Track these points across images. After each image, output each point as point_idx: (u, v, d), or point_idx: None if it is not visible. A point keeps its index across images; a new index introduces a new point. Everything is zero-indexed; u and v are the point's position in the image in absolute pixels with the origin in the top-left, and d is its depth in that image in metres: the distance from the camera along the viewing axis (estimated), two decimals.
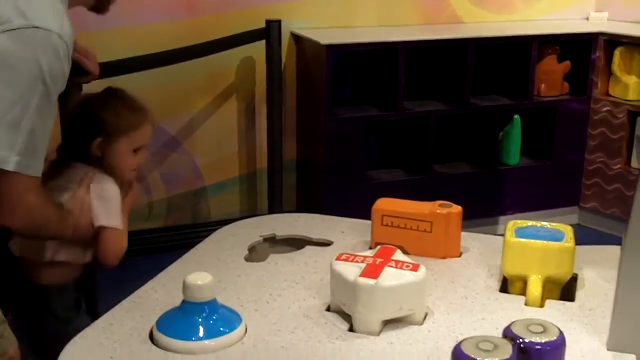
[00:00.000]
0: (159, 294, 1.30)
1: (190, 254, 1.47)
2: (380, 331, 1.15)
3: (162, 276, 1.38)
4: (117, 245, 1.67)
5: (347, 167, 3.17)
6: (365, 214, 1.53)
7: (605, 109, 3.46)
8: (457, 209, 1.44)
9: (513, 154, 3.46)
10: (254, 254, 1.49)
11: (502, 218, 3.47)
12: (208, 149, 3.38)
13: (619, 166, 3.47)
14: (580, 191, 3.63)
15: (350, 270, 1.17)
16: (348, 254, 1.22)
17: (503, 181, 3.46)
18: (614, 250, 1.46)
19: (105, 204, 1.64)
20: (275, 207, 3.27)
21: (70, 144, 1.70)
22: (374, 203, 1.47)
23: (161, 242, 3.25)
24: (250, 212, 3.47)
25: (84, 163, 1.65)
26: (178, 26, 3.15)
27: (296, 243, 1.53)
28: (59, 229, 1.53)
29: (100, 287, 2.41)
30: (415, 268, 1.17)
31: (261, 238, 1.54)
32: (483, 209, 3.39)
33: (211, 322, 1.13)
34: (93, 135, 1.63)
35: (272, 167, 3.27)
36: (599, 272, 1.38)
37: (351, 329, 1.16)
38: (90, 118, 1.66)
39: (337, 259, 1.20)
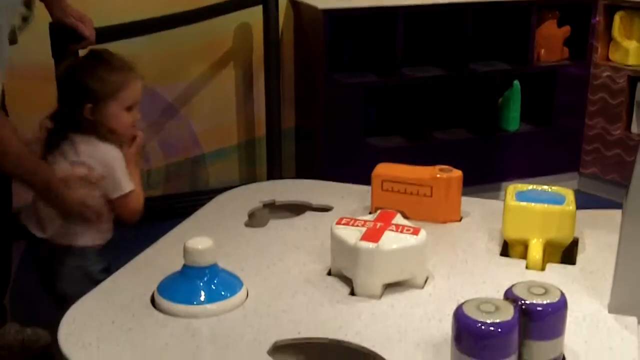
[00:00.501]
0: (159, 259, 1.30)
1: (190, 220, 1.47)
2: (381, 295, 1.16)
3: (162, 242, 1.38)
4: (134, 205, 1.75)
5: (345, 134, 3.15)
6: (364, 181, 1.52)
7: (605, 74, 3.44)
8: (457, 173, 1.43)
9: (513, 120, 3.44)
10: (254, 219, 1.48)
11: (502, 184, 3.46)
12: (206, 116, 3.36)
13: (618, 132, 3.46)
14: (580, 157, 3.62)
15: (351, 234, 1.16)
16: (348, 218, 1.21)
17: (503, 147, 3.46)
18: (615, 214, 1.45)
19: (111, 175, 1.64)
20: (274, 175, 3.26)
21: (63, 111, 1.70)
22: (373, 170, 1.47)
23: (160, 210, 3.24)
24: (249, 180, 3.46)
25: (79, 132, 1.65)
26: None
27: (296, 209, 1.53)
28: (17, 163, 1.52)
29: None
30: (415, 232, 1.17)
31: (261, 204, 1.54)
32: (483, 175, 3.38)
33: (212, 286, 1.13)
34: (81, 102, 1.63)
35: (270, 134, 3.25)
36: (599, 235, 1.38)
37: (352, 293, 1.17)
38: (76, 86, 1.67)
39: (338, 223, 1.20)
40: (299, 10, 3.25)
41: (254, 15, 3.17)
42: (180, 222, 1.48)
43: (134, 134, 1.75)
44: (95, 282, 1.25)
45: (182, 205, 3.26)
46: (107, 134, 1.65)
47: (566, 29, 3.45)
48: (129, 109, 1.69)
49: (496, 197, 3.34)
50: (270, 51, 3.13)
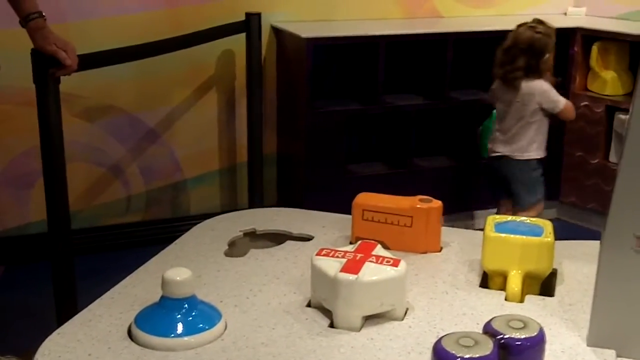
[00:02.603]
0: (137, 289, 1.28)
1: (169, 249, 1.46)
2: (361, 327, 1.15)
3: (141, 271, 1.37)
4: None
5: (327, 161, 3.16)
6: (346, 208, 1.52)
7: (583, 103, 3.49)
8: (437, 203, 1.43)
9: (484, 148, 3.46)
10: (234, 248, 1.47)
11: (482, 212, 3.48)
12: (188, 142, 3.36)
13: (597, 160, 3.49)
14: (559, 185, 3.65)
15: (331, 266, 1.16)
16: (328, 249, 1.21)
17: (483, 175, 3.48)
18: (593, 245, 1.46)
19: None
20: (255, 201, 3.26)
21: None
22: (354, 197, 1.47)
23: (140, 236, 3.23)
24: (231, 206, 3.46)
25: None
26: (158, 17, 3.13)
27: (277, 238, 1.52)
28: None
29: (79, 281, 2.40)
30: (395, 263, 1.17)
31: (241, 233, 1.53)
32: (463, 202, 3.41)
33: (190, 318, 1.11)
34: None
35: (252, 160, 3.26)
36: (578, 267, 1.39)
37: (332, 325, 1.16)
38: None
39: (318, 254, 1.19)
40: (281, 38, 3.27)
41: (237, 42, 3.19)
42: (161, 248, 1.47)
43: None
44: None
45: (162, 232, 3.25)
46: None
47: None
48: None
49: (477, 225, 3.36)
50: (253, 78, 3.14)
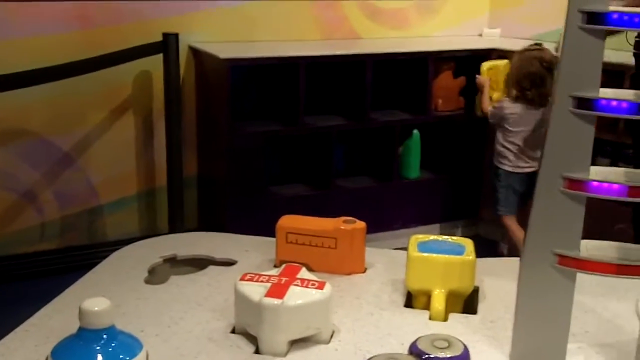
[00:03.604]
0: (54, 320, 1.23)
1: (86, 278, 1.40)
2: (287, 352, 1.13)
3: (57, 301, 1.31)
4: None
5: (249, 182, 3.14)
6: (269, 229, 1.50)
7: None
8: (361, 224, 1.43)
9: (413, 168, 3.52)
10: (154, 275, 1.43)
11: (404, 231, 3.52)
12: (104, 166, 3.28)
13: None
14: (479, 203, 3.73)
15: (255, 291, 1.14)
16: (252, 273, 1.19)
17: (404, 194, 3.53)
18: (514, 262, 1.49)
19: None
20: (176, 224, 3.20)
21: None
22: (277, 218, 1.45)
23: (55, 264, 3.12)
24: (150, 230, 3.39)
25: None
26: (73, 39, 3.06)
27: (199, 263, 1.48)
28: None
29: None
30: (321, 286, 1.16)
31: (161, 259, 1.49)
32: (386, 222, 3.43)
33: (110, 349, 1.07)
34: None
35: (172, 183, 3.20)
36: (499, 284, 1.41)
37: (257, 351, 1.14)
38: None
39: (242, 279, 1.17)
40: (200, 59, 3.24)
41: (154, 63, 3.15)
42: (78, 276, 1.42)
43: None
44: None
45: (79, 259, 3.15)
46: None
47: (462, 79, 3.58)
48: None
49: (399, 244, 3.38)
50: (171, 99, 3.10)
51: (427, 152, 3.56)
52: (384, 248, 1.56)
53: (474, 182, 3.69)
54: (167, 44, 3.03)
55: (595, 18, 0.99)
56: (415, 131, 3.47)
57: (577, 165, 1.06)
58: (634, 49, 2.56)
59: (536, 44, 3.18)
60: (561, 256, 1.11)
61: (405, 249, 1.34)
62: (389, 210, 3.50)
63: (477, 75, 3.27)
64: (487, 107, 3.24)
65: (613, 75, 3.25)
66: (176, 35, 3.06)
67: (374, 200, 3.43)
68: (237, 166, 3.11)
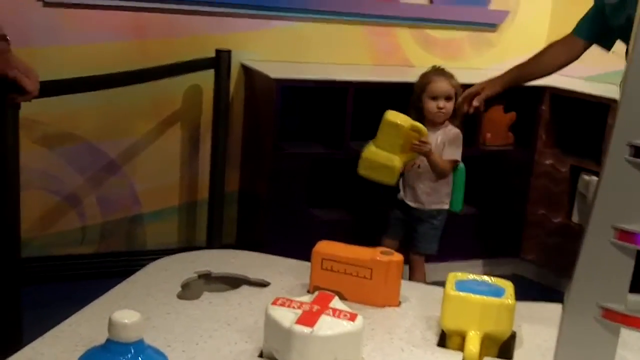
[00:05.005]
0: (83, 328, 1.23)
1: (120, 287, 1.40)
2: None
3: (88, 309, 1.31)
4: None
5: (290, 203, 3.13)
6: (305, 252, 1.49)
7: (548, 161, 3.51)
8: (398, 257, 1.40)
9: (457, 202, 3.46)
10: (188, 290, 1.42)
11: (442, 265, 3.46)
12: (148, 175, 3.30)
13: (559, 219, 3.51)
14: (520, 242, 3.66)
15: (286, 317, 1.12)
16: (285, 298, 1.17)
17: (446, 228, 3.47)
18: (554, 308, 1.44)
19: None
20: (214, 239, 3.21)
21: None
22: (314, 241, 1.44)
23: (93, 268, 3.15)
24: (188, 243, 3.40)
25: None
26: (126, 48, 3.10)
27: (232, 281, 1.47)
28: None
29: (27, 311, 2.31)
30: (352, 317, 1.13)
31: (196, 274, 1.48)
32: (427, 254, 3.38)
33: None
34: None
35: (213, 198, 3.21)
36: (537, 330, 1.36)
37: None
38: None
39: (273, 303, 1.15)
40: (250, 77, 3.26)
41: (205, 78, 3.17)
42: (113, 282, 1.42)
43: None
44: None
45: (116, 265, 3.17)
46: None
47: (512, 114, 3.53)
48: None
49: (435, 277, 3.33)
50: (220, 114, 3.12)
51: (473, 187, 3.51)
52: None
53: (516, 220, 3.63)
54: (220, 60, 3.05)
55: None
56: (462, 164, 3.42)
57: (630, 216, 1.02)
58: None
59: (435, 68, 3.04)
60: (606, 309, 1.07)
61: (441, 283, 1.31)
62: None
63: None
64: (444, 163, 2.97)
65: (599, 108, 3.18)
66: (229, 52, 3.08)
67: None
68: (279, 186, 3.10)
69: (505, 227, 3.64)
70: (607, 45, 2.60)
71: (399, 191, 3.04)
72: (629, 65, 0.98)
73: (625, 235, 1.03)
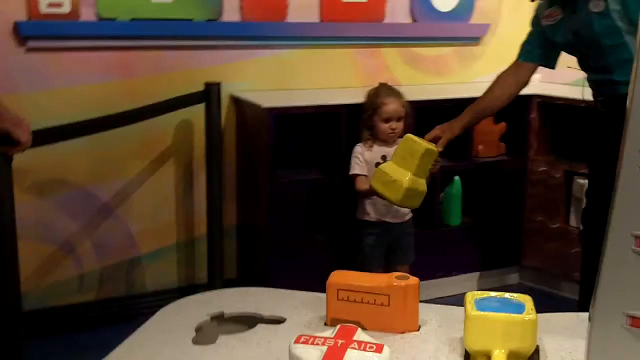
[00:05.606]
0: None
1: (133, 338, 1.36)
2: None
3: None
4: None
5: (291, 231, 3.11)
6: (312, 279, 1.46)
7: (541, 168, 3.51)
8: (414, 280, 1.38)
9: (455, 215, 3.46)
10: (202, 335, 1.39)
11: (446, 280, 3.44)
12: (143, 216, 3.26)
13: (557, 225, 3.50)
14: (520, 250, 3.65)
15: (311, 354, 1.09)
16: (307, 335, 1.14)
17: (446, 242, 3.45)
18: (572, 318, 1.42)
19: None
20: (215, 275, 3.17)
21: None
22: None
23: (94, 316, 3.09)
24: (189, 281, 3.36)
25: None
26: (114, 88, 3.09)
27: (247, 321, 1.44)
28: None
29: None
30: (379, 349, 1.10)
31: (208, 317, 1.45)
32: (427, 271, 3.35)
33: None
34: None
35: (212, 233, 3.17)
36: (559, 342, 1.34)
37: None
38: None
39: (296, 341, 1.12)
40: (241, 108, 3.25)
41: (195, 112, 3.15)
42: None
43: None
44: None
45: (117, 311, 3.12)
46: None
47: (502, 125, 3.53)
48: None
49: (440, 294, 3.30)
50: (213, 148, 3.09)
51: (468, 199, 3.51)
52: (425, 298, 1.50)
53: (515, 229, 3.62)
54: (210, 93, 3.03)
55: None
56: (457, 178, 3.42)
57: None
58: (599, 106, 2.53)
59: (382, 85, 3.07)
60: (633, 317, 1.06)
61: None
62: (431, 259, 3.42)
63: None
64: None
65: (586, 112, 3.18)
66: (218, 85, 3.06)
67: (416, 247, 3.36)
68: (278, 215, 3.07)
69: (504, 236, 3.63)
70: (552, 64, 2.68)
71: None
72: (637, 73, 0.97)
73: None
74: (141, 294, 3.24)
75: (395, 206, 2.71)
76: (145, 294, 3.23)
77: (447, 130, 2.63)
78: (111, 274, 3.24)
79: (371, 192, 2.73)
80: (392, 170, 2.44)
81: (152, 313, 1.47)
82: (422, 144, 2.43)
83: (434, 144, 2.51)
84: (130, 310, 3.07)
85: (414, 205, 2.55)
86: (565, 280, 3.44)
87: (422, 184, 2.45)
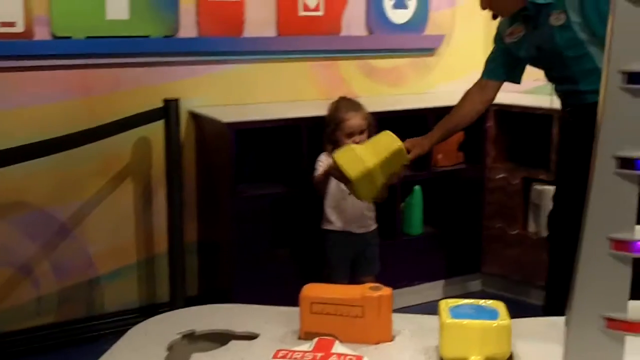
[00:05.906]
0: None
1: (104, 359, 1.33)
2: None
3: None
4: None
5: (254, 246, 3.08)
6: (276, 294, 1.45)
7: (499, 175, 3.56)
8: (387, 291, 1.38)
9: (416, 224, 3.48)
10: (175, 353, 1.36)
11: (409, 289, 3.45)
12: (101, 236, 3.21)
13: (516, 231, 3.55)
14: (480, 257, 3.68)
15: None
16: (285, 349, 1.13)
17: (408, 252, 3.47)
18: (542, 322, 1.44)
19: None
20: (177, 293, 3.12)
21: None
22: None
23: (54, 339, 3.02)
24: (150, 300, 3.31)
25: None
26: (71, 106, 3.04)
27: (218, 338, 1.42)
28: None
29: None
30: None
31: (179, 335, 1.42)
32: (391, 280, 3.33)
33: None
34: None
35: (172, 250, 3.13)
36: (533, 347, 1.35)
37: None
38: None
39: (275, 356, 1.11)
40: (200, 123, 3.22)
41: (153, 129, 3.12)
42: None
43: None
44: None
45: (77, 333, 3.05)
46: None
47: (460, 134, 3.56)
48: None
49: (404, 303, 3.30)
50: (172, 165, 3.06)
51: (429, 208, 3.53)
52: None
53: (474, 237, 3.65)
54: (169, 110, 3.00)
55: (636, 78, 0.97)
56: (417, 187, 3.44)
57: (622, 225, 1.03)
58: (567, 115, 2.59)
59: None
60: (609, 319, 1.07)
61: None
62: (393, 268, 3.42)
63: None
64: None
65: (542, 119, 3.27)
66: (177, 101, 3.03)
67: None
68: (241, 230, 3.05)
69: (465, 244, 3.66)
70: (518, 79, 2.74)
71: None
72: (605, 82, 0.99)
73: (620, 244, 1.03)
74: (101, 315, 3.17)
75: (348, 190, 2.63)
76: (105, 314, 3.17)
77: (418, 146, 2.64)
78: (70, 296, 3.17)
79: (329, 172, 2.72)
80: (360, 151, 2.45)
81: (114, 333, 1.44)
82: (398, 142, 2.45)
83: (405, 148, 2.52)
84: (92, 332, 3.01)
85: (365, 196, 2.53)
86: (527, 286, 3.49)
87: (381, 179, 2.45)
